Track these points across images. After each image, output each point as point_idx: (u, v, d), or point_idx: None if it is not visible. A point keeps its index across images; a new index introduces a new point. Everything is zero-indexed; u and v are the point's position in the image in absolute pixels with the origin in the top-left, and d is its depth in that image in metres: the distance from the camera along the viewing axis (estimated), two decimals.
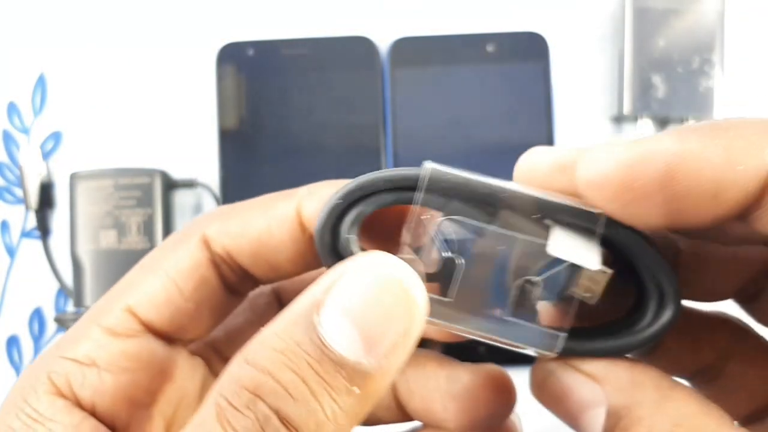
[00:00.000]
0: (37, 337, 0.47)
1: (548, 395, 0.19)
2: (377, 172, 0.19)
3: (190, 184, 0.46)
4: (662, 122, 0.47)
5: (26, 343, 0.47)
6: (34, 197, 0.46)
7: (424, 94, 0.47)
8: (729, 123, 0.17)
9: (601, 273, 0.18)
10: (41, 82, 0.48)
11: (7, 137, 0.48)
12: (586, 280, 0.19)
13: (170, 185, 0.46)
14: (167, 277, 0.21)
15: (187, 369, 0.22)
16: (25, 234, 0.48)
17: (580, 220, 0.18)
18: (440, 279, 0.19)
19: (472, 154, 0.46)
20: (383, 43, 0.47)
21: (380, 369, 0.17)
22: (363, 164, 0.46)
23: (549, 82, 0.46)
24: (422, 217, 0.19)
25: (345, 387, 0.16)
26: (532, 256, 0.19)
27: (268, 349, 0.17)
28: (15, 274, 0.48)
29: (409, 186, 0.19)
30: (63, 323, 0.44)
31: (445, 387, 0.22)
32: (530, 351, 0.19)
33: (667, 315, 0.18)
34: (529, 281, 0.19)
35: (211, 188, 0.46)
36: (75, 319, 0.44)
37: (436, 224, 0.19)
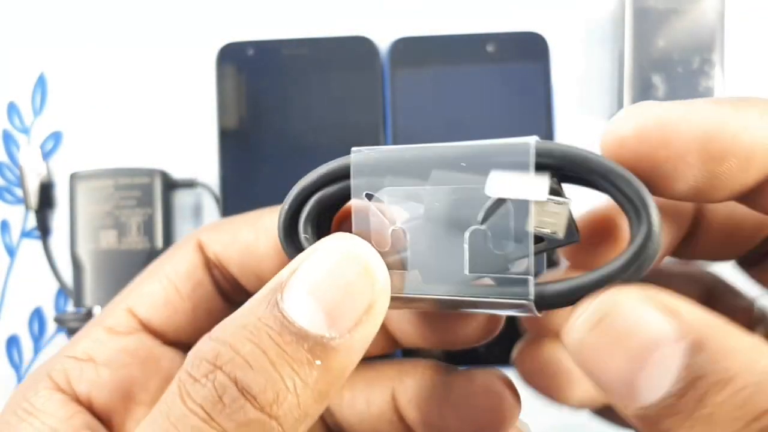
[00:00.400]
0: (37, 337, 0.47)
1: (606, 334, 0.16)
2: (315, 169, 0.19)
3: (190, 184, 0.46)
4: None
5: (26, 343, 0.47)
6: (34, 197, 0.46)
7: (424, 94, 0.47)
8: (756, 98, 0.17)
9: (555, 203, 0.17)
10: (41, 82, 0.48)
11: (7, 137, 0.48)
12: (542, 216, 0.18)
13: (170, 185, 0.46)
14: (166, 279, 0.22)
15: None
16: (25, 234, 0.48)
17: (514, 157, 0.17)
18: (399, 254, 0.19)
19: None
20: (383, 43, 0.47)
21: (344, 343, 0.17)
22: None
23: (549, 82, 0.46)
24: (362, 201, 0.19)
25: (307, 359, 0.17)
26: (472, 204, 0.18)
27: (231, 325, 0.17)
28: (15, 274, 0.48)
29: (345, 175, 0.19)
30: (63, 323, 0.44)
31: (442, 395, 0.22)
32: (505, 303, 0.18)
33: (643, 228, 0.17)
34: (476, 230, 0.18)
35: (211, 188, 0.47)
36: (75, 319, 0.44)
37: (373, 202, 0.19)
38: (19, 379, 0.47)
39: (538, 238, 0.18)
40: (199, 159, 0.47)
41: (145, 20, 0.48)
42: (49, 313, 0.47)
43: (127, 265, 0.44)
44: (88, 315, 0.44)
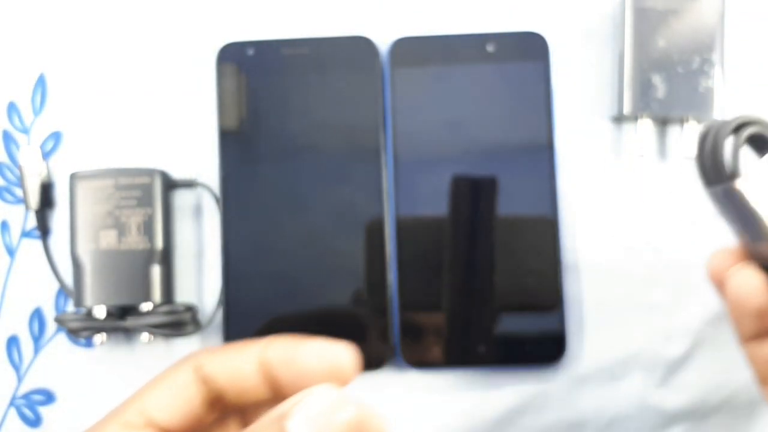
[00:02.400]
0: (37, 338, 0.47)
1: None
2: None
3: (190, 184, 0.46)
4: (662, 122, 0.47)
5: (26, 344, 0.47)
6: (34, 197, 0.46)
7: (424, 94, 0.47)
8: None
9: None
10: (41, 82, 0.48)
11: (7, 137, 0.48)
12: None
13: (170, 185, 0.46)
14: (167, 387, 0.28)
15: None
16: (25, 234, 0.48)
17: None
18: None
19: (472, 153, 0.46)
20: (383, 43, 0.47)
21: None
22: (363, 163, 0.46)
23: (549, 82, 0.46)
24: None
25: None
26: None
27: None
28: (15, 274, 0.48)
29: None
30: (63, 323, 0.44)
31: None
32: None
33: None
34: None
35: (211, 188, 0.47)
36: (75, 320, 0.44)
37: None
38: (19, 379, 0.47)
39: None
40: (199, 159, 0.47)
41: (145, 20, 0.48)
42: (49, 314, 0.47)
43: (127, 265, 0.44)
44: (89, 315, 0.44)
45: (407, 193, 0.46)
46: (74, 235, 0.44)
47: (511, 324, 0.46)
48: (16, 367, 0.47)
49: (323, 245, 0.46)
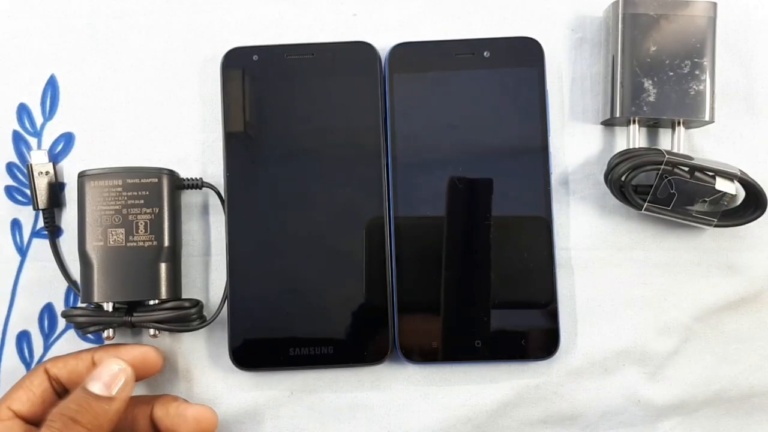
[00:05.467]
0: (48, 334, 0.48)
1: None
2: None
3: (196, 184, 0.47)
4: (653, 125, 0.48)
5: (36, 340, 0.48)
6: (41, 197, 0.47)
7: (422, 99, 0.47)
8: None
9: None
10: (52, 83, 0.49)
11: (18, 138, 0.49)
12: None
13: (178, 185, 0.46)
14: (28, 387, 0.43)
15: None
16: (36, 233, 0.48)
17: None
18: None
19: (469, 155, 0.47)
20: (383, 49, 0.48)
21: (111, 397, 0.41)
22: (363, 165, 0.47)
23: (544, 86, 0.47)
24: None
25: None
26: None
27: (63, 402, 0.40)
28: (26, 272, 0.48)
29: None
30: (70, 318, 0.45)
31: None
32: None
33: None
34: None
35: (217, 188, 0.47)
36: (82, 315, 0.44)
37: None
38: None
39: None
40: (205, 160, 0.48)
41: (153, 25, 0.49)
42: (60, 310, 0.48)
43: (134, 263, 0.44)
44: (96, 310, 0.45)
45: (406, 194, 0.47)
46: (82, 232, 0.45)
47: (506, 320, 0.46)
48: (27, 363, 0.48)
49: (325, 244, 0.46)
